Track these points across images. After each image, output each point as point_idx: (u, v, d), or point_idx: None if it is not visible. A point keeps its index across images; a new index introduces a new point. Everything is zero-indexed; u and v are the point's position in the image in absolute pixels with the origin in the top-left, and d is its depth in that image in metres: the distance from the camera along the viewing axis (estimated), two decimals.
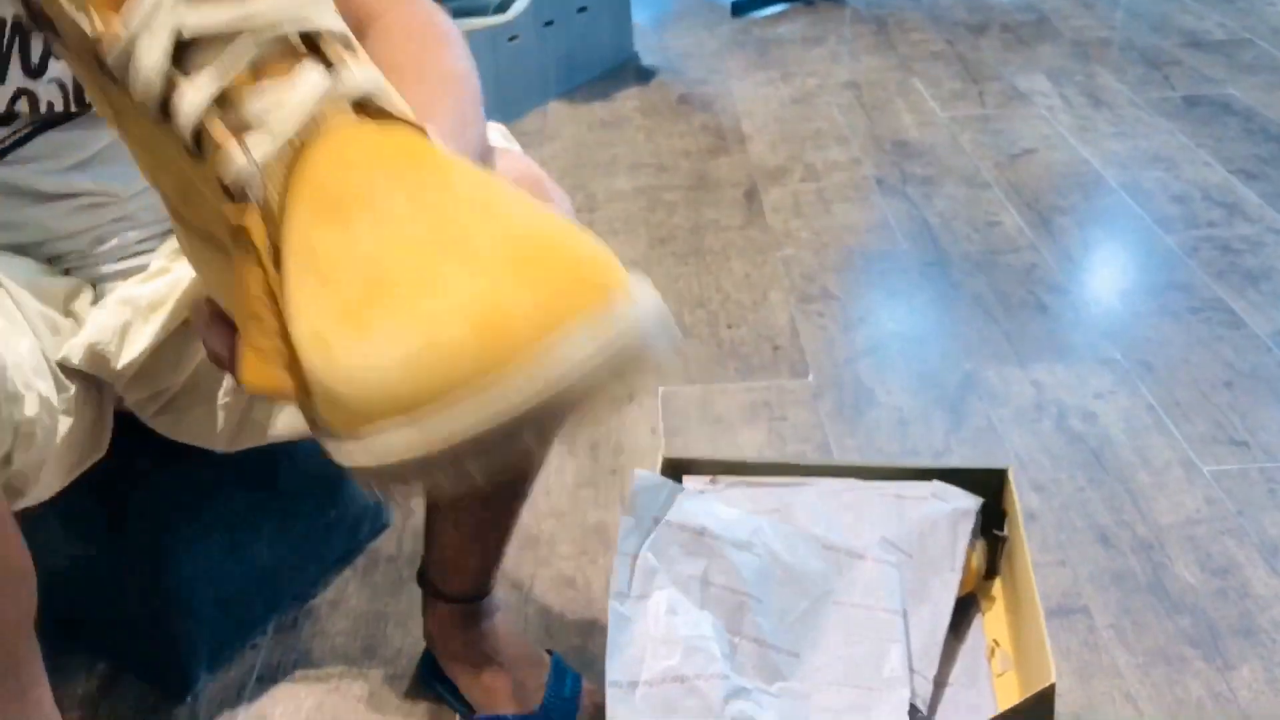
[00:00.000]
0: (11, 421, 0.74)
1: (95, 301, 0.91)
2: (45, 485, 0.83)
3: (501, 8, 2.41)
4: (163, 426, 0.96)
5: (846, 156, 2.30)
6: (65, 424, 0.83)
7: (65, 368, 0.86)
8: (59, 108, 0.82)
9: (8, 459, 0.75)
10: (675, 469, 1.18)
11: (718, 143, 2.40)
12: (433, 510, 1.05)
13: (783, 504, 1.16)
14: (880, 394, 1.56)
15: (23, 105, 0.81)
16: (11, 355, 0.77)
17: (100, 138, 0.86)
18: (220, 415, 0.94)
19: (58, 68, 0.81)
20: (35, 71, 0.81)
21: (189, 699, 1.14)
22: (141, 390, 0.92)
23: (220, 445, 0.96)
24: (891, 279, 1.85)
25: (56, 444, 0.82)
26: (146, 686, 1.15)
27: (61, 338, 0.87)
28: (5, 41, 0.78)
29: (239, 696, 1.14)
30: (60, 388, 0.84)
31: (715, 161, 2.31)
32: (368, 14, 0.74)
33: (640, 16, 3.10)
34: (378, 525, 1.33)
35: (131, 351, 0.88)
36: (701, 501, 1.09)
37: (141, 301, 0.89)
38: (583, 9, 2.68)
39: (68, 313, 0.89)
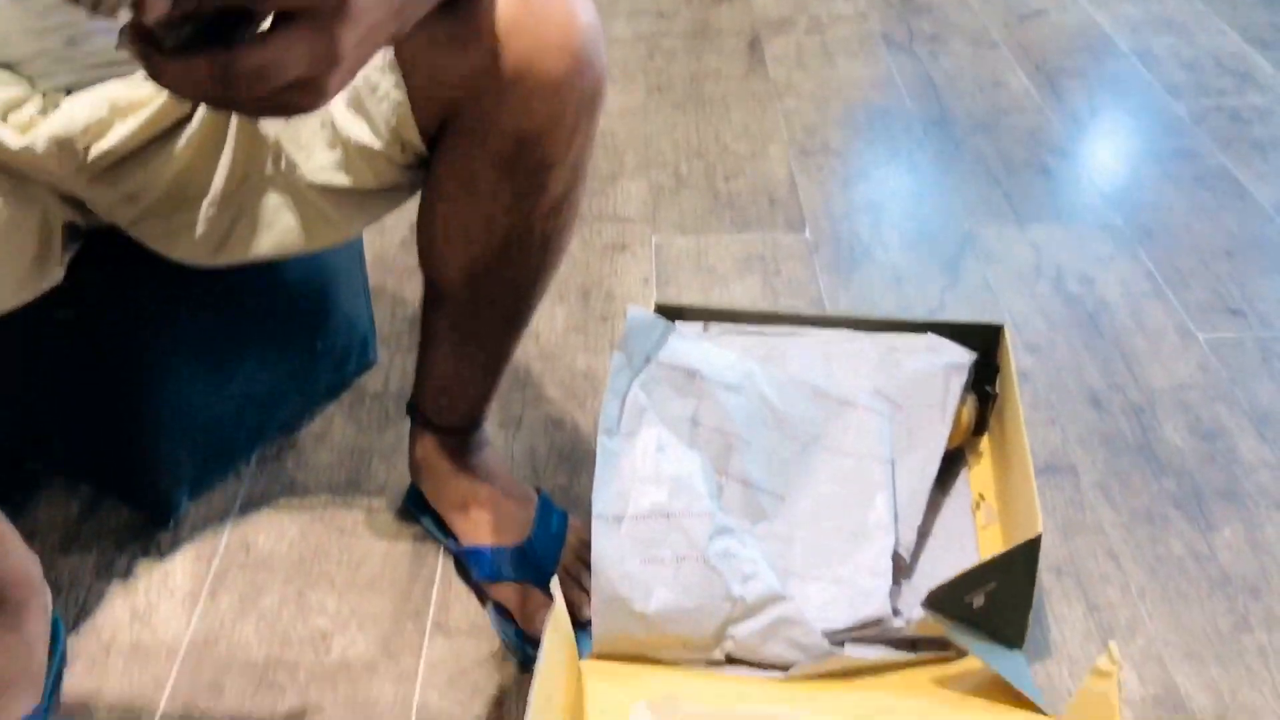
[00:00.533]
0: None
1: (44, 112, 0.87)
2: None
3: None
4: (141, 234, 0.92)
5: (853, 10, 2.23)
6: None
7: None
8: None
9: None
10: (667, 315, 1.16)
11: None
12: (427, 341, 1.03)
13: (775, 352, 1.14)
14: (877, 250, 1.54)
15: None
16: None
17: None
18: (202, 224, 0.91)
19: None
20: None
21: (171, 524, 1.13)
22: (113, 191, 0.88)
23: (201, 258, 0.93)
24: (894, 136, 1.81)
25: None
26: (129, 511, 1.15)
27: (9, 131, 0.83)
28: None
29: (222, 523, 1.14)
30: None
31: (717, 9, 2.23)
32: None
33: None
34: (364, 361, 1.32)
35: (106, 144, 0.84)
36: (694, 343, 1.07)
37: (122, 101, 0.85)
38: None
39: (4, 117, 0.85)
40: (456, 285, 0.96)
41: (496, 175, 0.85)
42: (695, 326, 1.17)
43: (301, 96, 0.56)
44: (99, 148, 0.85)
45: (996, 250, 1.54)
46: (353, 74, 0.58)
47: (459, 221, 0.90)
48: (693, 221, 1.60)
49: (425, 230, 0.94)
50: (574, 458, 1.21)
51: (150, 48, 0.53)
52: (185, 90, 0.54)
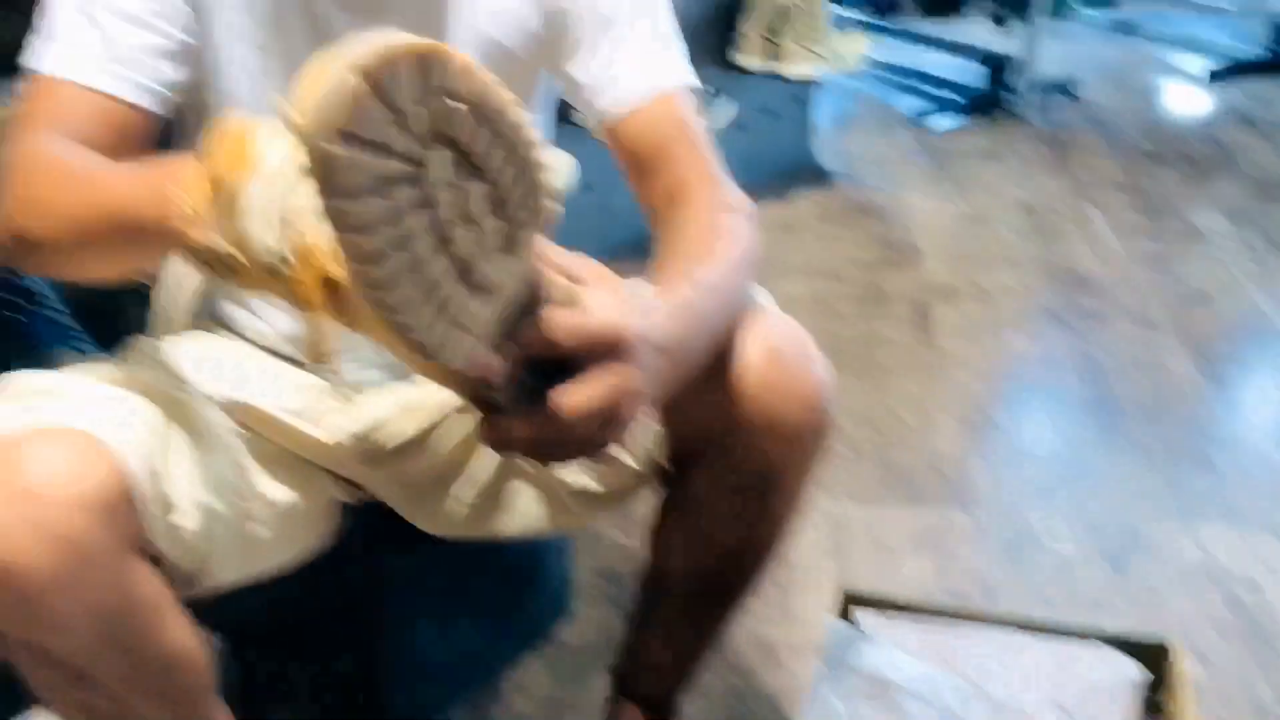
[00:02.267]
0: (165, 525, 0.79)
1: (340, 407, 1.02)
2: (226, 575, 0.88)
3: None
4: (403, 509, 1.04)
5: (1018, 282, 2.34)
6: (257, 530, 0.91)
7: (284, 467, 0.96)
8: None
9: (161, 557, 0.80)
10: (850, 601, 1.24)
11: (890, 254, 2.46)
12: (644, 620, 1.12)
13: (950, 649, 1.21)
14: (1044, 537, 1.60)
15: None
16: (176, 469, 0.81)
17: None
18: (461, 505, 1.03)
19: None
20: None
21: None
22: (388, 476, 1.02)
23: (453, 531, 1.04)
24: (1058, 416, 1.89)
25: (223, 547, 0.85)
26: None
27: (320, 429, 0.98)
28: None
29: None
30: (246, 497, 0.90)
31: (887, 273, 2.37)
32: (680, 192, 0.94)
33: (821, 119, 3.17)
34: (560, 612, 1.42)
35: (393, 439, 0.99)
36: (885, 652, 1.15)
37: (410, 401, 1.00)
38: (768, 110, 2.77)
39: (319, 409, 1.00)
40: (680, 578, 1.06)
41: (732, 503, 0.97)
42: (873, 612, 1.26)
43: (607, 433, 0.70)
44: (387, 442, 1.00)
45: (1163, 548, 1.58)
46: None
47: (691, 531, 1.02)
48: (864, 491, 1.69)
49: (660, 530, 1.05)
50: None
51: (489, 408, 0.67)
52: (512, 445, 0.69)
